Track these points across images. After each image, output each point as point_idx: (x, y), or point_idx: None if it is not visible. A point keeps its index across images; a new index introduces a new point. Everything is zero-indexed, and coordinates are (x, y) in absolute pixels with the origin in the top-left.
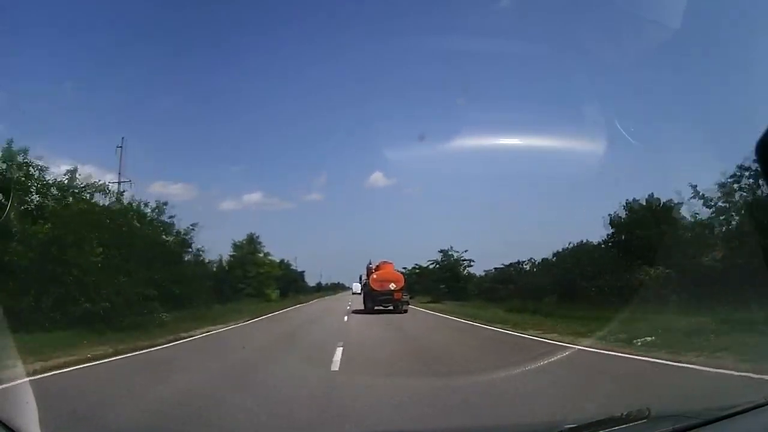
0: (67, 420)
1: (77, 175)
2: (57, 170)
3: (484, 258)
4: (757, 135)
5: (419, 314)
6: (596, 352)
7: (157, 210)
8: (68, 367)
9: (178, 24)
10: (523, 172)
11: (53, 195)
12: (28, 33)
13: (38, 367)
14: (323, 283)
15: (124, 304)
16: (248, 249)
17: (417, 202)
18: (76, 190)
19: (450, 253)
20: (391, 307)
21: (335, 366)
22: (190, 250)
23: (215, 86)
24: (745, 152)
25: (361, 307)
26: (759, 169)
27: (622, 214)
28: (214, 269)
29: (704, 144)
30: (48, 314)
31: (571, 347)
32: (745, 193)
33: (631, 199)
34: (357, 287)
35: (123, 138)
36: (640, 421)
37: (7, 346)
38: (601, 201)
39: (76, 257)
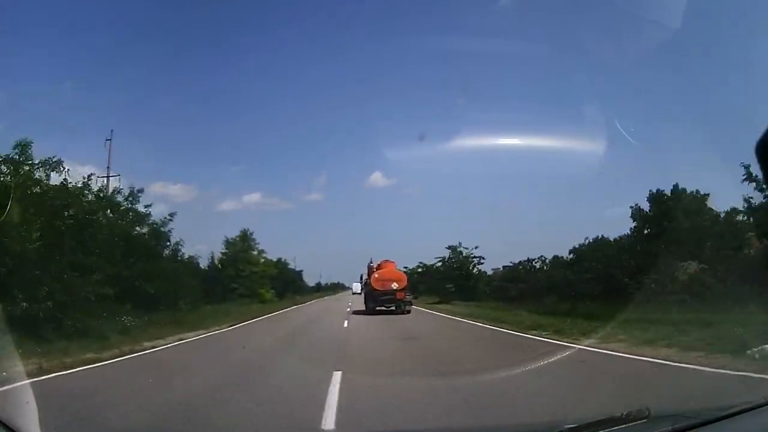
0: None
1: (29, 151)
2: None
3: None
4: (757, 135)
5: (431, 318)
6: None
7: (131, 198)
8: None
9: (178, 24)
10: (523, 172)
11: (2, 172)
12: (28, 33)
13: None
14: (323, 283)
15: (73, 304)
16: (241, 246)
17: (417, 202)
18: (27, 167)
19: (459, 249)
20: (393, 308)
21: (328, 423)
22: (168, 243)
23: (215, 86)
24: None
25: (362, 307)
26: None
27: (646, 206)
28: (206, 267)
29: (704, 144)
30: None
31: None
32: None
33: (654, 191)
34: (357, 287)
35: (112, 131)
36: (639, 421)
37: None
38: (601, 201)
39: (10, 243)
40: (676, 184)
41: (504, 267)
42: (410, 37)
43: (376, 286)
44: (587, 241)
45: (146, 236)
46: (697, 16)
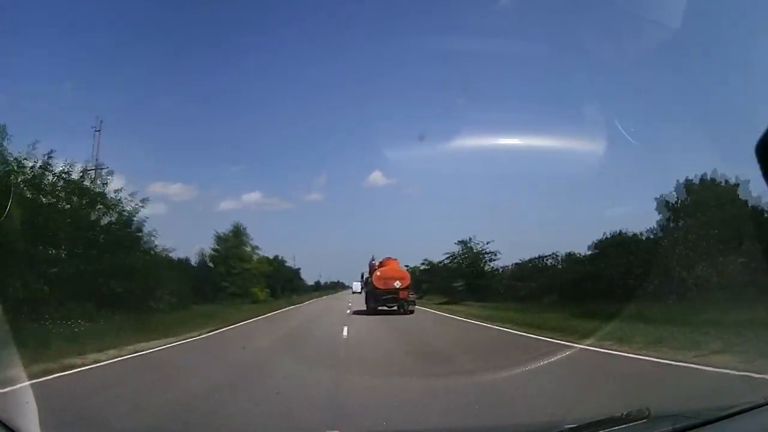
0: None
1: None
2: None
3: (500, 252)
4: (757, 135)
5: (449, 322)
6: None
7: (88, 176)
8: None
9: (178, 24)
10: (523, 172)
11: None
12: (28, 33)
13: None
14: (322, 282)
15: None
16: (233, 242)
17: (417, 202)
18: None
19: (470, 244)
20: (395, 307)
21: None
22: (139, 234)
23: (215, 86)
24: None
25: (363, 307)
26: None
27: (672, 197)
28: (194, 264)
29: (704, 144)
30: None
31: None
32: None
33: (683, 180)
34: (357, 286)
35: (101, 121)
36: (639, 421)
37: None
38: (601, 201)
39: None
40: (705, 173)
41: (514, 264)
42: (410, 37)
43: (378, 284)
44: (605, 237)
45: (115, 225)
46: (697, 16)
